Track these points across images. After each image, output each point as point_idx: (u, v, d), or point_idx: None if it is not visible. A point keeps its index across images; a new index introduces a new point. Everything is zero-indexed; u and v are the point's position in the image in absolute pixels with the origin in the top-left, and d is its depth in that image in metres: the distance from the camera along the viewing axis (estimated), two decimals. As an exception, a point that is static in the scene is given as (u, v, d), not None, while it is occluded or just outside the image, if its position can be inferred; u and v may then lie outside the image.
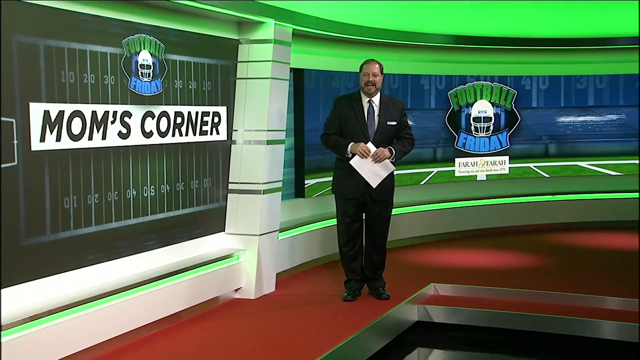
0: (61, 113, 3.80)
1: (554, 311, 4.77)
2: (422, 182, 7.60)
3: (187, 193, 4.84)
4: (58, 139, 3.79)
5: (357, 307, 4.94)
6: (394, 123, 5.01)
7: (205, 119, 4.97)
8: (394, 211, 5.29)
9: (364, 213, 5.12)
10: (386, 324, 4.56)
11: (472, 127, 7.87)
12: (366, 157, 4.88)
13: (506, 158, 8.03)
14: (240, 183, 5.24)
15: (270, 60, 5.18)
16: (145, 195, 4.46)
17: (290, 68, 5.58)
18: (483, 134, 7.91)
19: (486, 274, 5.92)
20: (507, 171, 8.04)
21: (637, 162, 8.10)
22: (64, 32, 3.79)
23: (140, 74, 4.35)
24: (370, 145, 4.90)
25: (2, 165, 3.45)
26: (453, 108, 7.77)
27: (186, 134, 4.80)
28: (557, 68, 8.09)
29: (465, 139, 7.86)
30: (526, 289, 5.23)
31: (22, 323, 3.43)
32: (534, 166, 8.13)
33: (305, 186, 6.38)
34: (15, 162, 3.53)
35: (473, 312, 4.83)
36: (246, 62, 5.23)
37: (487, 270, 6.14)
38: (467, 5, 5.94)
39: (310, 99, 6.40)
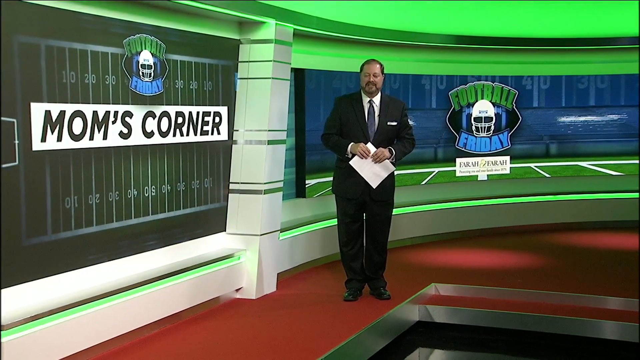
0: (62, 113, 3.80)
1: (555, 311, 4.77)
2: (423, 182, 7.59)
3: (188, 193, 4.84)
4: (59, 139, 3.79)
5: (358, 307, 4.94)
6: (395, 123, 5.01)
7: (206, 119, 4.97)
8: (395, 211, 5.29)
9: (364, 213, 5.12)
10: (387, 324, 4.56)
11: (473, 127, 7.87)
12: (366, 158, 4.88)
13: (507, 158, 8.02)
14: (241, 183, 5.24)
15: (271, 60, 5.18)
16: (147, 195, 4.46)
17: (291, 68, 5.58)
18: (484, 134, 7.91)
19: (487, 274, 5.92)
20: (508, 171, 8.03)
21: (637, 162, 8.09)
22: (65, 32, 3.80)
23: (141, 74, 4.35)
24: (370, 145, 4.89)
25: (3, 165, 3.45)
26: (454, 108, 7.77)
27: (187, 134, 4.80)
28: (558, 68, 8.09)
29: (466, 139, 7.86)
30: (527, 289, 5.23)
31: (23, 323, 3.43)
32: (535, 166, 8.13)
33: (306, 186, 6.38)
34: (17, 162, 3.53)
35: (474, 312, 4.83)
36: (247, 62, 5.23)
37: (488, 270, 6.13)
38: (468, 5, 5.94)
39: (311, 99, 6.40)
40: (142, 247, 4.43)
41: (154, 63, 4.45)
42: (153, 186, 4.51)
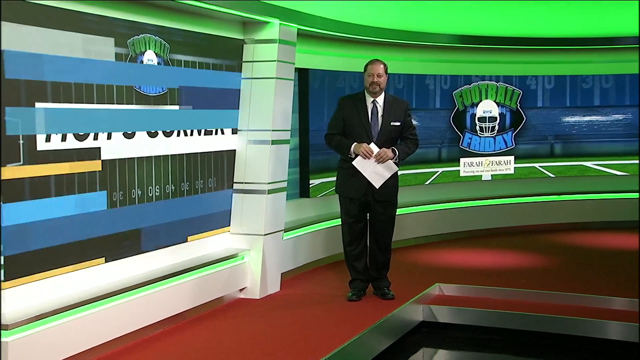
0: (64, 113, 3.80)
1: (558, 311, 4.76)
2: (427, 182, 7.58)
3: (192, 193, 4.84)
4: (63, 138, 3.80)
5: (361, 307, 4.94)
6: (398, 123, 5.01)
7: (210, 118, 4.97)
8: (399, 211, 5.29)
9: (368, 213, 5.11)
10: (391, 324, 4.55)
11: (477, 127, 7.86)
12: (369, 158, 4.87)
13: (511, 158, 8.01)
14: (245, 183, 5.24)
15: (275, 60, 5.18)
16: (150, 195, 4.46)
17: (295, 68, 5.57)
18: (488, 134, 7.90)
19: (491, 274, 5.91)
20: (512, 171, 8.02)
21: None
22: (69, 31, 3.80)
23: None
24: (373, 145, 4.89)
25: (8, 165, 3.46)
26: (458, 108, 7.76)
27: (191, 134, 4.80)
28: (563, 68, 8.07)
29: (470, 138, 7.84)
30: (531, 289, 5.21)
31: (27, 323, 3.44)
32: (540, 166, 8.11)
33: (310, 186, 6.38)
34: (21, 162, 3.53)
35: (478, 312, 4.82)
36: (251, 62, 5.23)
37: (492, 270, 6.12)
38: (472, 4, 5.92)
39: (315, 98, 6.40)
40: (146, 247, 4.43)
41: (158, 63, 4.45)
42: (157, 186, 4.51)
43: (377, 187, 4.93)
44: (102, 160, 4.06)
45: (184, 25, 4.67)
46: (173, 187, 4.66)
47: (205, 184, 4.97)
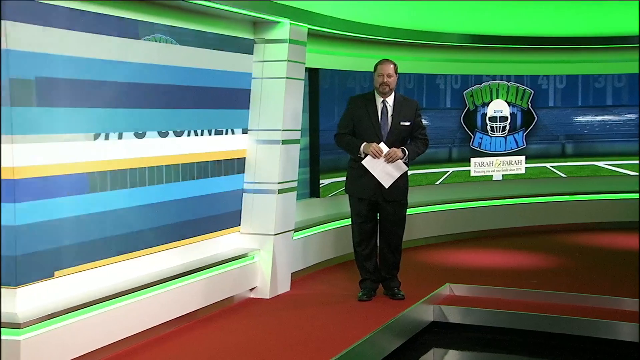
0: (78, 113, 3.81)
1: (570, 312, 4.73)
2: (437, 182, 7.57)
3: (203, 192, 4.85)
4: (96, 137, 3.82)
5: (372, 307, 4.93)
6: (408, 123, 5.00)
7: (220, 118, 4.98)
8: (409, 211, 5.28)
9: (377, 213, 5.10)
10: (401, 324, 4.54)
11: (488, 127, 7.83)
12: (378, 158, 4.87)
13: (522, 158, 7.97)
14: (255, 182, 5.24)
15: (285, 60, 5.18)
16: (161, 194, 4.48)
17: (306, 68, 5.57)
18: (499, 134, 7.87)
19: (502, 275, 5.88)
20: (523, 171, 7.98)
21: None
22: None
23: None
24: (382, 145, 4.88)
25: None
26: (469, 108, 7.73)
27: (202, 134, 4.81)
28: (575, 67, 8.02)
29: (481, 138, 7.82)
30: (543, 290, 5.19)
31: (39, 322, 3.46)
32: (551, 166, 8.07)
33: (320, 186, 6.38)
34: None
35: (489, 312, 4.80)
36: (261, 61, 5.24)
37: (503, 270, 6.10)
38: (483, 4, 5.90)
39: (326, 98, 6.40)
40: (157, 246, 4.45)
41: (168, 63, 4.46)
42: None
43: (387, 187, 4.92)
44: (115, 160, 4.08)
45: (194, 25, 4.68)
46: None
47: (216, 183, 4.98)
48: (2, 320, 3.34)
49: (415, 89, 7.31)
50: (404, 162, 4.94)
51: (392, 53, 6.47)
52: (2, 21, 3.32)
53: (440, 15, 6.34)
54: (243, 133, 5.23)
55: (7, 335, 3.34)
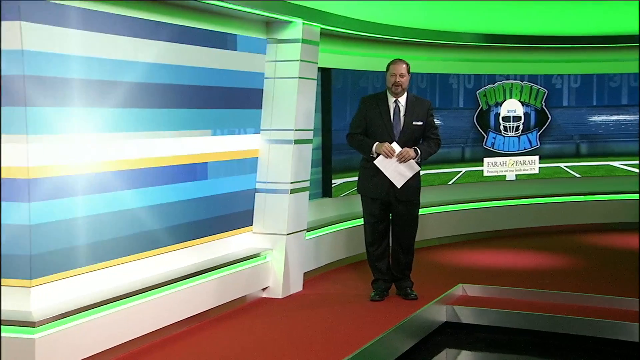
0: (91, 113, 3.83)
1: (584, 313, 4.70)
2: (450, 182, 7.54)
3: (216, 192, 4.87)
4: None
5: (384, 307, 4.92)
6: (420, 123, 4.98)
7: (233, 118, 4.99)
8: (422, 211, 5.26)
9: (390, 213, 5.09)
10: (414, 324, 4.53)
11: (501, 127, 7.79)
12: (391, 157, 4.85)
13: (536, 158, 7.93)
14: (267, 182, 5.25)
15: (298, 60, 5.18)
16: (174, 194, 4.49)
17: (318, 67, 5.57)
18: (512, 134, 7.83)
19: (515, 275, 5.85)
20: (537, 171, 7.94)
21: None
22: (94, 33, 3.85)
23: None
24: (395, 145, 4.87)
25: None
26: (482, 107, 7.70)
27: (214, 133, 4.82)
28: (589, 66, 7.96)
29: (494, 138, 7.78)
30: (556, 290, 5.16)
31: (53, 320, 3.48)
32: (565, 166, 8.02)
33: (333, 186, 6.38)
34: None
35: (502, 313, 4.78)
36: (274, 61, 5.24)
37: (516, 271, 6.07)
38: (496, 3, 5.87)
39: (338, 98, 6.39)
40: (171, 246, 4.47)
41: (181, 63, 4.48)
42: (180, 185, 4.54)
43: (399, 187, 4.91)
44: (128, 160, 4.10)
45: (207, 25, 4.69)
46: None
47: (229, 183, 4.99)
48: (16, 319, 3.38)
49: (428, 89, 7.28)
50: (417, 162, 4.93)
51: (405, 52, 6.46)
52: (19, 22, 3.35)
53: (453, 15, 6.31)
54: (255, 133, 5.24)
55: (22, 333, 3.37)
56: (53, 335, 3.47)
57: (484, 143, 7.74)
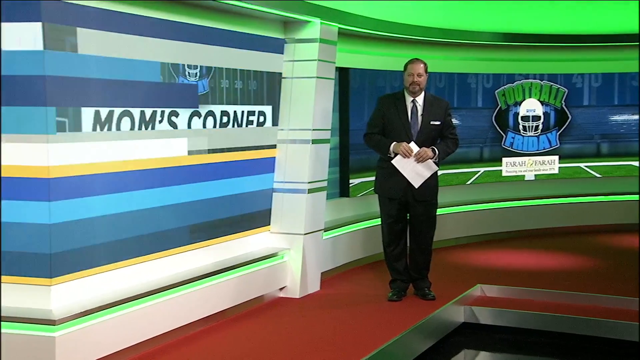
0: (111, 113, 3.87)
1: (604, 314, 4.65)
2: (468, 182, 7.50)
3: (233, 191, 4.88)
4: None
5: (402, 308, 4.91)
6: (438, 123, 4.96)
7: (250, 118, 5.01)
8: (440, 211, 5.24)
9: (407, 213, 5.08)
10: (432, 324, 4.51)
11: (520, 126, 7.73)
12: (408, 157, 4.84)
13: (555, 158, 7.86)
14: (285, 182, 5.26)
15: (315, 60, 5.18)
16: (192, 193, 4.51)
17: (336, 67, 5.57)
18: (531, 133, 7.76)
19: (534, 276, 5.80)
20: (556, 171, 7.87)
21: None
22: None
23: (187, 74, 4.40)
24: (412, 145, 4.85)
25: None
26: (500, 107, 7.64)
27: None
28: (611, 65, 7.86)
29: (513, 138, 7.72)
30: (575, 291, 5.11)
31: (73, 319, 3.51)
32: (585, 166, 7.94)
33: (350, 185, 6.37)
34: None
35: (521, 314, 4.75)
36: (292, 61, 5.25)
37: (535, 271, 6.02)
38: (516, 2, 5.82)
39: (356, 98, 6.39)
40: (188, 245, 4.49)
41: (199, 63, 4.50)
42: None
43: (417, 187, 4.89)
44: (146, 159, 4.13)
45: (225, 25, 4.70)
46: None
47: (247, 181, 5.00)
48: (37, 317, 3.42)
49: (446, 88, 7.25)
50: (434, 162, 4.91)
51: (423, 52, 6.43)
52: (39, 23, 3.38)
53: (471, 14, 6.27)
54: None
55: (43, 331, 3.40)
56: (73, 333, 3.50)
57: (502, 143, 7.69)
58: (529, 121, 7.76)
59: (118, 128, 3.92)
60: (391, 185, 4.98)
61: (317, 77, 5.21)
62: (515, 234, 7.55)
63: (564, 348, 4.62)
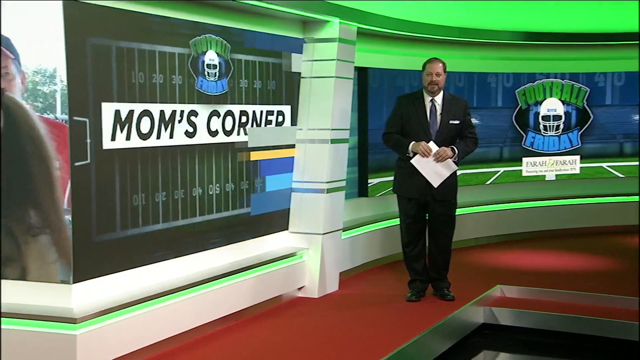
0: (131, 112, 3.90)
1: (624, 316, 4.59)
2: (488, 182, 7.45)
3: (252, 191, 4.89)
4: (128, 137, 3.89)
5: (421, 308, 4.89)
6: (457, 122, 4.93)
7: (269, 117, 5.01)
8: (459, 211, 5.21)
9: (426, 213, 5.05)
10: (451, 325, 4.49)
11: (541, 126, 7.66)
12: (427, 157, 4.81)
13: (577, 157, 7.78)
14: (303, 182, 5.26)
15: (334, 59, 5.18)
16: (211, 193, 4.53)
17: (355, 67, 5.56)
18: (552, 133, 7.69)
19: (555, 277, 5.75)
20: (577, 171, 7.79)
21: None
22: (134, 33, 3.90)
23: (206, 73, 4.42)
24: (432, 144, 4.83)
25: (76, 164, 3.57)
26: (521, 106, 7.58)
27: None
28: (635, 64, 7.75)
29: (534, 138, 7.66)
30: (597, 293, 5.05)
31: (94, 317, 3.53)
32: (607, 166, 7.85)
33: (369, 185, 6.36)
34: (88, 161, 3.64)
35: (541, 315, 4.71)
36: (311, 61, 5.25)
37: (556, 272, 5.96)
38: (536, 0, 5.77)
39: (375, 97, 6.37)
40: (206, 245, 4.50)
41: (219, 63, 4.51)
42: (217, 184, 4.58)
43: (436, 187, 4.86)
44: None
45: (245, 25, 4.72)
46: (233, 186, 4.72)
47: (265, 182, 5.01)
48: (58, 315, 3.45)
49: (465, 88, 7.21)
50: (454, 161, 4.88)
51: (442, 51, 6.40)
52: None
53: (491, 13, 6.23)
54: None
55: (64, 329, 3.43)
56: (94, 331, 3.52)
57: (522, 143, 7.63)
58: (549, 121, 7.68)
59: (138, 127, 3.94)
60: (410, 185, 4.96)
61: (336, 77, 5.20)
62: (536, 234, 7.49)
63: (585, 350, 4.58)
